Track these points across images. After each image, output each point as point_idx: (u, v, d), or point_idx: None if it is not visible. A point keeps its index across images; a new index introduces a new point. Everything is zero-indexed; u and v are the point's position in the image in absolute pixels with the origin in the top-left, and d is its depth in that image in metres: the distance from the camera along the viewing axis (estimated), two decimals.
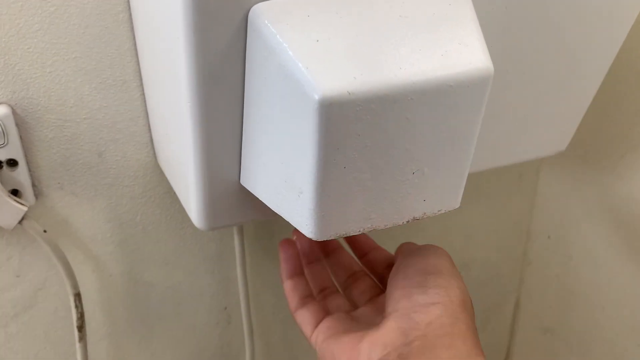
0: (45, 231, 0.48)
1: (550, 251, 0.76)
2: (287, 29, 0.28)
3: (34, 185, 0.48)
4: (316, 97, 0.27)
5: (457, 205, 0.35)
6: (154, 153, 0.51)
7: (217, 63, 0.30)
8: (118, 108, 0.48)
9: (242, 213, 0.39)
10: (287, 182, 0.31)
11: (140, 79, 0.48)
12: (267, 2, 0.29)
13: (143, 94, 0.49)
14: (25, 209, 0.46)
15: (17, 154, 0.46)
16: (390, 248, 0.48)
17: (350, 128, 0.28)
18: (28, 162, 0.47)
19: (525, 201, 0.76)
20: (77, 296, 0.51)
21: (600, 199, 0.67)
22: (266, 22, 0.28)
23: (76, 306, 0.51)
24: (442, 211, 0.34)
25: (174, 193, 0.54)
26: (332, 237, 0.32)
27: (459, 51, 0.29)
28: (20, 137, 0.46)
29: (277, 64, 0.28)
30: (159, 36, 0.36)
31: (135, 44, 0.47)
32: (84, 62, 0.46)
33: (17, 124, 0.45)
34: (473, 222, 0.74)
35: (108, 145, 0.50)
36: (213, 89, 0.31)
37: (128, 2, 0.45)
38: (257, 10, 0.28)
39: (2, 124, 0.44)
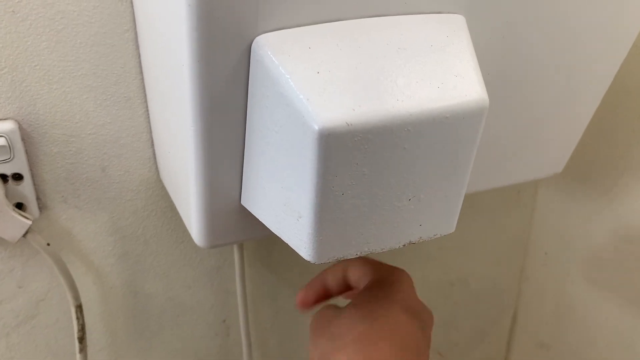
0: (48, 244, 0.49)
1: (548, 267, 0.77)
2: (289, 60, 0.29)
3: (38, 198, 0.49)
4: (316, 127, 0.27)
5: (453, 230, 0.36)
6: (157, 168, 0.52)
7: (220, 90, 0.31)
8: (122, 124, 0.49)
9: (241, 232, 0.40)
10: (286, 205, 0.32)
11: (145, 96, 0.49)
12: (270, 33, 0.29)
13: (147, 111, 0.50)
14: (29, 222, 0.47)
15: (23, 168, 0.47)
16: (385, 260, 0.49)
17: (349, 157, 0.29)
18: (33, 176, 0.48)
19: (524, 217, 0.77)
20: (79, 308, 0.52)
21: (597, 217, 0.67)
22: (269, 53, 0.29)
23: (77, 318, 0.52)
24: (438, 235, 0.35)
25: (175, 207, 0.55)
26: (330, 261, 0.32)
27: (455, 83, 0.30)
28: (26, 152, 0.47)
29: (278, 93, 0.29)
30: (164, 58, 0.37)
31: (140, 62, 0.48)
32: (90, 79, 0.47)
33: (23, 139, 0.46)
34: (472, 237, 0.75)
35: (112, 160, 0.51)
36: (216, 114, 0.32)
37: (134, 21, 0.46)
38: (260, 41, 0.29)
39: (8, 139, 0.45)
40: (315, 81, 0.28)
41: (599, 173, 0.66)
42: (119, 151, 0.50)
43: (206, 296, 0.62)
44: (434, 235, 0.35)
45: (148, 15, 0.40)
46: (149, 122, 0.50)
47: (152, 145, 0.51)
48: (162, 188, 0.53)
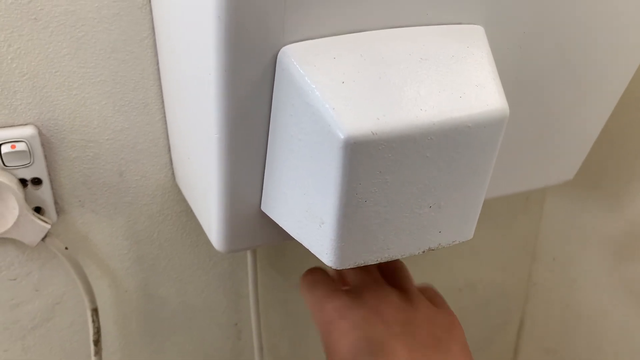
0: (66, 248, 0.49)
1: (555, 273, 0.77)
2: (314, 70, 0.29)
3: (56, 202, 0.50)
4: (342, 136, 0.28)
5: (471, 236, 0.36)
6: (173, 173, 0.53)
7: (246, 98, 0.32)
8: (140, 130, 0.50)
9: (261, 238, 0.40)
10: (308, 212, 0.33)
11: (162, 102, 0.50)
12: (296, 44, 0.30)
13: (164, 117, 0.50)
14: (48, 227, 0.47)
15: (42, 173, 0.48)
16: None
17: (373, 165, 0.29)
18: (51, 181, 0.49)
19: (532, 223, 0.77)
20: (95, 311, 0.52)
21: (605, 223, 0.68)
22: (295, 63, 0.30)
23: (93, 321, 0.52)
24: (457, 242, 0.36)
25: (190, 212, 0.55)
26: (351, 266, 0.33)
27: (476, 93, 0.31)
28: (45, 157, 0.48)
29: (304, 103, 0.29)
30: (187, 66, 0.38)
31: (158, 68, 0.48)
32: (109, 86, 0.47)
33: (42, 144, 0.47)
34: (480, 243, 0.75)
35: (129, 165, 0.51)
36: (240, 122, 0.33)
37: (153, 28, 0.47)
38: (286, 51, 0.30)
39: (29, 144, 0.46)
40: (340, 91, 0.29)
41: (607, 180, 0.66)
42: (136, 156, 0.51)
43: (218, 300, 0.62)
44: (453, 241, 0.36)
45: (169, 23, 0.41)
46: (166, 127, 0.51)
47: (169, 150, 0.52)
48: (178, 193, 0.54)
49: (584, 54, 0.41)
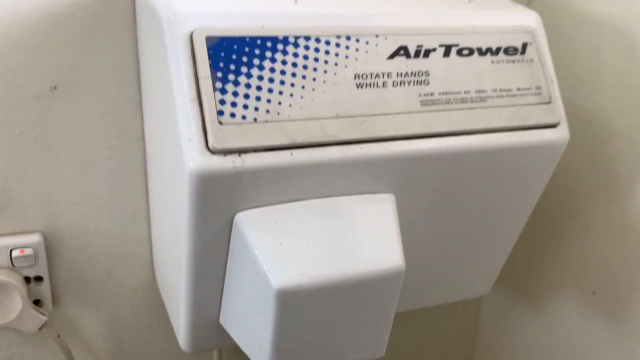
0: (59, 336, 0.58)
1: None
2: (259, 234, 0.40)
3: (53, 295, 0.59)
4: (275, 287, 0.38)
5: (383, 354, 0.46)
6: (153, 272, 0.63)
7: (209, 246, 0.42)
8: (128, 236, 0.60)
9: (220, 341, 0.50)
10: (251, 335, 0.42)
11: (149, 214, 0.60)
12: (248, 211, 0.41)
13: (149, 226, 0.60)
14: (45, 318, 0.56)
15: (43, 271, 0.57)
16: None
17: (299, 307, 0.39)
18: (51, 278, 0.58)
19: (470, 315, 0.87)
20: None
21: (533, 320, 0.78)
22: (245, 227, 0.40)
23: None
24: (370, 358, 0.46)
25: (164, 304, 0.65)
26: None
27: (379, 252, 0.41)
28: (47, 258, 0.57)
29: (250, 258, 0.40)
30: (169, 204, 0.48)
31: (147, 189, 0.59)
32: (105, 201, 0.58)
33: (46, 248, 0.57)
34: (421, 333, 0.84)
35: (117, 265, 0.61)
36: (204, 261, 0.43)
37: (145, 157, 0.57)
38: (240, 216, 0.40)
39: (35, 249, 0.56)
40: (276, 251, 0.39)
41: (532, 285, 0.76)
42: (124, 257, 0.61)
43: None
44: (368, 357, 0.45)
45: (156, 161, 0.52)
46: (150, 234, 0.61)
47: (152, 253, 0.62)
48: (156, 289, 0.63)
49: (487, 204, 0.52)
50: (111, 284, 0.62)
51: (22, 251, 0.55)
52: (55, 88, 0.52)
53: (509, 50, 0.47)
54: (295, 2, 0.44)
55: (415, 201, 0.47)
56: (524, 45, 0.48)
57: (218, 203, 0.40)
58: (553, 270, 0.71)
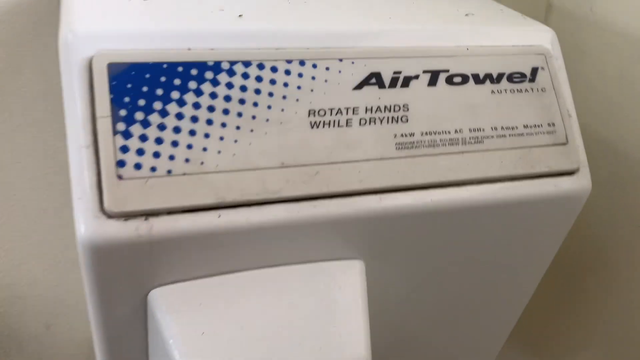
0: None
1: None
2: (177, 320, 0.30)
3: None
4: None
5: None
6: None
7: (121, 327, 0.33)
8: (69, 286, 0.52)
9: None
10: None
11: None
12: (164, 287, 0.31)
13: None
14: None
15: None
16: None
17: None
18: None
19: None
20: None
21: None
22: (161, 308, 0.31)
23: None
24: None
25: None
26: None
27: (335, 344, 0.31)
28: None
29: (165, 351, 0.31)
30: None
31: None
32: (40, 247, 0.49)
33: None
34: None
35: (57, 319, 0.52)
36: (118, 344, 0.34)
37: None
38: (155, 294, 0.31)
39: None
40: (198, 344, 0.30)
41: (549, 347, 0.66)
42: (64, 310, 0.52)
43: None
44: None
45: None
46: None
47: None
48: None
49: (486, 264, 0.42)
50: (50, 340, 0.53)
51: None
52: None
53: (514, 77, 0.37)
54: (240, 16, 0.35)
55: (393, 268, 0.37)
56: (534, 71, 0.38)
57: (124, 277, 0.31)
58: (574, 331, 0.61)
